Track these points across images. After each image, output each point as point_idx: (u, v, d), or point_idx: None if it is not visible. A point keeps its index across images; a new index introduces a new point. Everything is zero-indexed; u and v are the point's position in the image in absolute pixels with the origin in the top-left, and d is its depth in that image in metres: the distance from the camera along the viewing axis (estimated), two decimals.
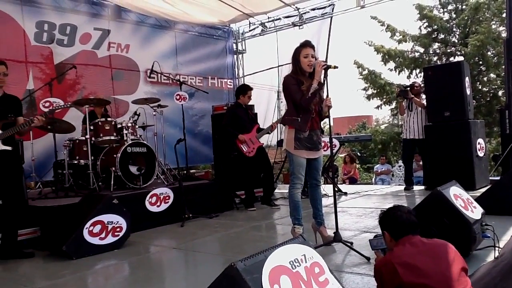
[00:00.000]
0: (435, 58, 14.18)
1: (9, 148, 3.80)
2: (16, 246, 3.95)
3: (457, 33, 14.18)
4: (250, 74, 10.02)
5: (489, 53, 12.95)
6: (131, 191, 5.27)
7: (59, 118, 5.82)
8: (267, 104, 9.92)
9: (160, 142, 6.62)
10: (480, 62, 13.18)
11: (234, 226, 4.97)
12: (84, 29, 7.26)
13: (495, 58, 12.78)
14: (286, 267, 1.63)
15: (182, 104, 6.53)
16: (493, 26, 12.88)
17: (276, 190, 7.20)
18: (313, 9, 8.90)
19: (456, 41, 14.10)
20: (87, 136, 5.43)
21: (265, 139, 7.09)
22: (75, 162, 5.62)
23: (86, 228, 3.85)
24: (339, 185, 7.76)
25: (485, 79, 13.44)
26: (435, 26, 13.88)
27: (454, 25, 14.10)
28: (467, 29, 13.68)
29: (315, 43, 3.89)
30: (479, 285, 2.11)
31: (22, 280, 3.36)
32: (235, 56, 10.08)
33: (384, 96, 14.68)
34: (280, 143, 7.24)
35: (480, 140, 6.22)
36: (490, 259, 2.77)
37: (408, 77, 14.08)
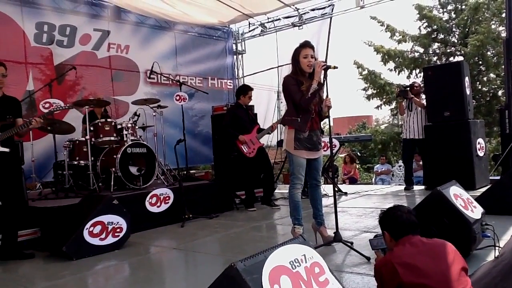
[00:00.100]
0: (434, 58, 14.17)
1: (6, 150, 3.80)
2: (16, 247, 3.95)
3: (457, 33, 14.17)
4: (250, 75, 10.01)
5: (488, 53, 12.94)
6: (131, 191, 5.27)
7: (59, 119, 5.80)
8: (267, 105, 9.92)
9: (160, 142, 6.63)
10: (480, 62, 13.17)
11: (234, 226, 4.97)
12: (83, 30, 7.27)
13: (495, 58, 12.77)
14: (286, 267, 1.63)
15: (182, 105, 6.52)
16: (493, 26, 12.87)
17: (276, 190, 7.21)
18: (313, 10, 8.89)
19: (456, 41, 14.09)
20: (87, 137, 5.43)
21: (265, 139, 7.08)
22: (75, 163, 5.62)
23: (86, 228, 3.85)
24: (339, 185, 7.76)
25: (485, 79, 13.43)
26: (435, 26, 13.87)
27: (453, 25, 14.09)
28: (467, 29, 13.67)
29: (314, 44, 3.90)
30: (479, 285, 2.11)
31: (22, 281, 3.36)
32: (234, 56, 10.09)
33: (384, 96, 14.67)
34: (280, 143, 7.23)
35: (480, 140, 6.23)
36: (490, 258, 2.76)
37: (408, 77, 14.10)
